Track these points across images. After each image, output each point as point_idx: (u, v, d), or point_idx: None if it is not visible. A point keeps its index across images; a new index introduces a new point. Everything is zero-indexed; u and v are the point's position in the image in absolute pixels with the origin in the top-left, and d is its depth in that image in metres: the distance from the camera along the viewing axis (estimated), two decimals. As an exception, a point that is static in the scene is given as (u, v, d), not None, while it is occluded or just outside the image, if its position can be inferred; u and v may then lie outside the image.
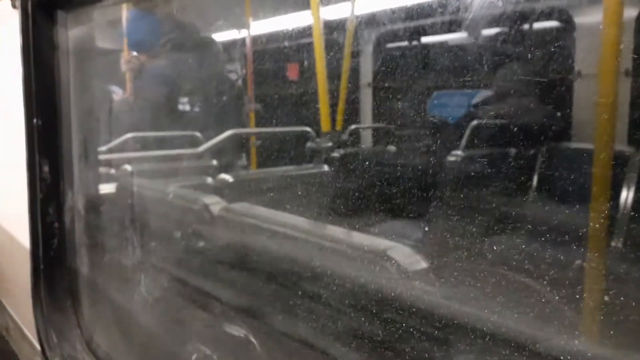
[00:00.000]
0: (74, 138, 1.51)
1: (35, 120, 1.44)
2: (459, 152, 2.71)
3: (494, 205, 2.43)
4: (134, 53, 2.77)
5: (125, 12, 2.55)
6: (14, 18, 1.44)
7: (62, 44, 1.47)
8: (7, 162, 1.71)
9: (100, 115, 1.70)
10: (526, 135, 2.70)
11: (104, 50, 2.61)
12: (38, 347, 1.44)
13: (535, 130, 2.75)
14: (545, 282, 1.27)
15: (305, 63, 3.35)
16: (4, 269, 1.81)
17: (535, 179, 2.69)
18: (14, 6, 1.44)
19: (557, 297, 1.15)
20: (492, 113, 2.86)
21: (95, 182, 1.61)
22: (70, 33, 1.48)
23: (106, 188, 1.75)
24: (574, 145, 2.69)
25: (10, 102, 1.56)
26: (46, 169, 1.46)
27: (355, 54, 3.58)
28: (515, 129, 2.74)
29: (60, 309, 1.48)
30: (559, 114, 2.73)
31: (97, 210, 1.60)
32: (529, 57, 2.87)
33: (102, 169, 1.80)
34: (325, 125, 2.47)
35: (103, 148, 2.05)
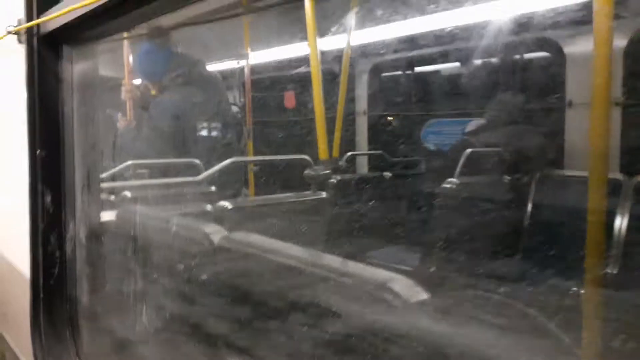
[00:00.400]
0: (76, 168, 1.54)
1: (38, 151, 1.46)
2: (454, 180, 2.75)
3: (488, 232, 2.46)
4: (136, 82, 2.85)
5: (135, 45, 2.63)
6: (20, 52, 1.48)
7: (66, 77, 1.51)
8: (10, 192, 1.73)
9: (104, 147, 1.73)
10: (519, 163, 2.75)
11: (108, 78, 2.66)
12: (36, 377, 1.44)
13: (528, 158, 2.79)
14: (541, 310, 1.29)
15: (302, 92, 3.41)
16: (3, 297, 1.82)
17: (529, 205, 2.73)
18: (20, 41, 1.48)
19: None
20: (485, 141, 2.91)
21: (97, 211, 1.62)
22: (75, 67, 1.52)
23: (107, 216, 1.77)
24: (567, 172, 2.73)
25: (15, 133, 1.59)
26: (48, 198, 1.48)
27: (351, 83, 3.65)
28: (509, 156, 2.78)
29: (59, 338, 1.48)
30: (551, 142, 2.79)
31: (98, 239, 1.61)
32: (521, 86, 2.94)
33: (104, 197, 1.82)
34: (322, 152, 2.51)
35: (104, 175, 2.08)
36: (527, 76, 3.01)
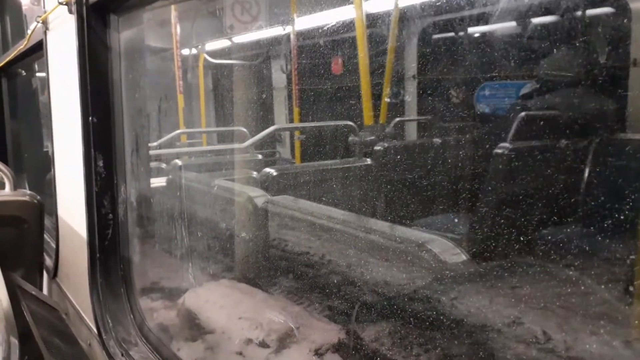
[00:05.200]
0: (126, 134, 1.59)
1: (90, 118, 1.52)
2: (506, 144, 2.65)
3: (540, 198, 2.36)
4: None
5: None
6: (71, 23, 1.53)
7: (114, 45, 1.55)
8: (65, 158, 1.82)
9: (150, 112, 1.78)
10: (577, 126, 2.61)
11: (154, 48, 2.72)
12: (95, 330, 1.54)
13: (587, 121, 2.65)
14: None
15: (348, 57, 3.35)
16: (65, 258, 1.94)
17: (586, 170, 2.59)
18: (70, 12, 1.53)
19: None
20: (540, 104, 2.77)
21: (146, 175, 1.69)
22: (122, 35, 1.55)
23: (156, 181, 1.83)
24: (629, 136, 2.57)
25: (68, 101, 1.66)
26: (101, 163, 1.55)
27: (400, 46, 3.55)
28: (566, 119, 2.64)
29: (114, 295, 1.57)
30: (612, 103, 2.62)
31: (148, 202, 1.68)
32: (580, 45, 2.76)
33: (153, 163, 1.89)
34: (367, 118, 2.47)
35: (154, 143, 2.15)
36: (587, 34, 2.81)
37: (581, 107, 2.59)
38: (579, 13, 2.92)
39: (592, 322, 1.09)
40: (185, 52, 2.81)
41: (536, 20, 3.05)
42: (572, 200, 2.52)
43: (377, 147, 2.58)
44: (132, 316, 1.55)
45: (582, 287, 1.24)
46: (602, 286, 1.20)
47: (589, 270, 1.46)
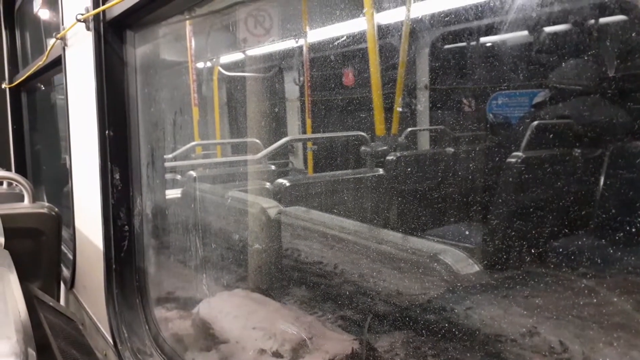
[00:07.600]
0: (142, 147, 1.62)
1: (107, 131, 1.56)
2: (519, 154, 2.63)
3: (552, 209, 2.34)
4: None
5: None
6: (88, 39, 1.57)
7: (130, 60, 1.58)
8: (82, 170, 1.86)
9: (166, 125, 1.81)
10: (591, 135, 2.58)
11: (169, 62, 2.76)
12: (111, 341, 1.56)
13: (603, 130, 2.61)
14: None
15: (360, 69, 3.37)
16: (82, 269, 1.97)
17: (601, 181, 2.56)
18: (88, 28, 1.57)
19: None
20: (554, 113, 2.75)
21: (161, 187, 1.71)
22: (138, 50, 1.59)
23: (171, 193, 1.86)
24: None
25: (85, 114, 1.69)
26: (117, 176, 1.57)
27: (411, 57, 3.56)
28: (580, 128, 2.62)
29: (130, 305, 1.59)
30: (627, 111, 2.59)
31: (163, 213, 1.70)
32: (594, 53, 2.74)
33: (168, 175, 1.91)
34: (379, 129, 2.48)
35: (169, 155, 2.18)
36: (601, 42, 2.80)
37: (597, 116, 2.57)
38: (592, 21, 2.90)
39: (609, 332, 1.08)
40: (200, 65, 2.86)
41: (548, 29, 3.04)
42: (588, 210, 2.49)
43: (389, 158, 2.59)
44: (147, 327, 1.57)
45: (597, 299, 1.23)
46: (616, 298, 1.19)
47: (606, 281, 1.44)
